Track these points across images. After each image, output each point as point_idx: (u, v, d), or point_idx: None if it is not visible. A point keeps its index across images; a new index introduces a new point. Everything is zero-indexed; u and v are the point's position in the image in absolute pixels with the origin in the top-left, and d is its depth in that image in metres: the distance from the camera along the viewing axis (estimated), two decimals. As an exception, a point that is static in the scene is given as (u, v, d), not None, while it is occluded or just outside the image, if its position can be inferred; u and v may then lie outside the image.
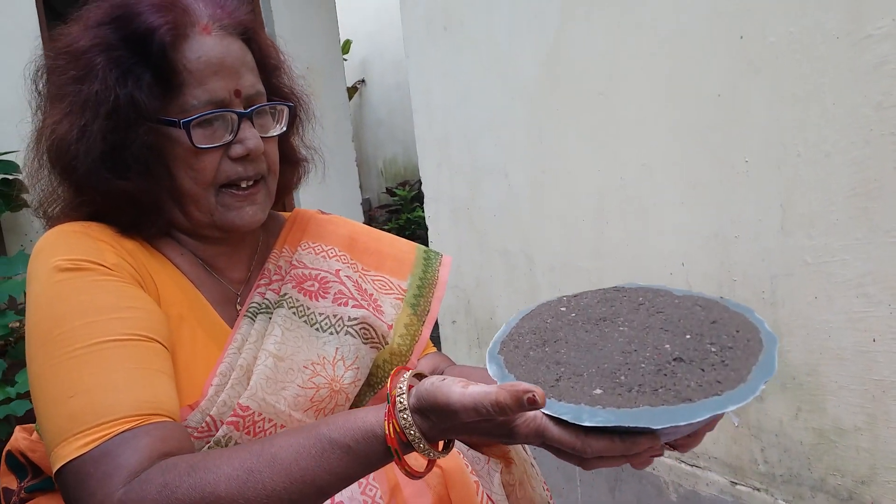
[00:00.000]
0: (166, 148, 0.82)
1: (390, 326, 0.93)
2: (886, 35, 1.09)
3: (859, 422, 1.21)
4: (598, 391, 0.59)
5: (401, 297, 0.97)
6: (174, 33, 0.80)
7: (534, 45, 1.79)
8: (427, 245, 2.36)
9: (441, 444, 0.67)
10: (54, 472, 0.69)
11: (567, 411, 0.57)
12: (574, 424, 0.57)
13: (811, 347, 1.27)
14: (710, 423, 0.63)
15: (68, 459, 0.67)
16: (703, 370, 0.60)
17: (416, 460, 0.67)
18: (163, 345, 0.76)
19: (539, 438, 0.59)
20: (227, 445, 0.78)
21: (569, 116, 1.73)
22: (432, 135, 2.26)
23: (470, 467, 0.88)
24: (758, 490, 1.40)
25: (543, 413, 0.59)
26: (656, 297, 0.71)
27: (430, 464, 0.68)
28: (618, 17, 1.55)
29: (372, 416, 0.66)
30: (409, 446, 0.64)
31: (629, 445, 0.57)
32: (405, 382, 0.66)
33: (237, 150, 0.83)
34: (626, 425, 0.55)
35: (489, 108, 1.99)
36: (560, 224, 1.80)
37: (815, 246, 1.24)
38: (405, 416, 0.63)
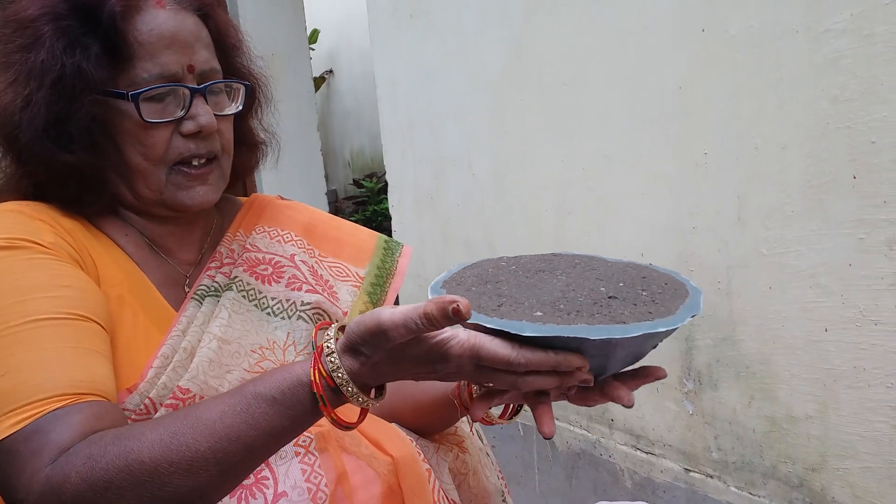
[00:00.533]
0: (115, 121, 0.80)
1: (345, 312, 0.92)
2: (844, 30, 1.11)
3: (810, 410, 1.24)
4: (539, 314, 0.62)
5: (358, 284, 0.96)
6: (126, 4, 0.78)
7: (500, 35, 1.78)
8: (390, 234, 2.35)
9: (372, 392, 0.66)
10: None
11: (509, 326, 0.60)
12: (508, 339, 0.60)
13: (765, 337, 1.29)
14: (640, 378, 0.67)
15: None
16: (635, 304, 0.65)
17: (348, 413, 0.66)
18: (100, 324, 0.75)
19: (474, 357, 0.59)
20: None
21: (533, 107, 1.73)
22: (397, 123, 2.24)
23: (422, 455, 0.87)
24: (710, 477, 1.42)
25: (486, 327, 0.60)
26: (591, 260, 0.77)
27: (363, 413, 0.68)
28: (583, 10, 1.55)
29: (299, 367, 0.66)
30: (337, 393, 0.64)
31: (561, 360, 0.59)
32: (333, 329, 0.65)
33: (189, 126, 0.82)
34: (564, 336, 0.59)
35: (454, 97, 1.98)
36: (523, 214, 1.80)
37: (770, 237, 1.26)
38: (332, 359, 0.63)
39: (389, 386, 0.69)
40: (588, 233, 1.61)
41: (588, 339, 0.59)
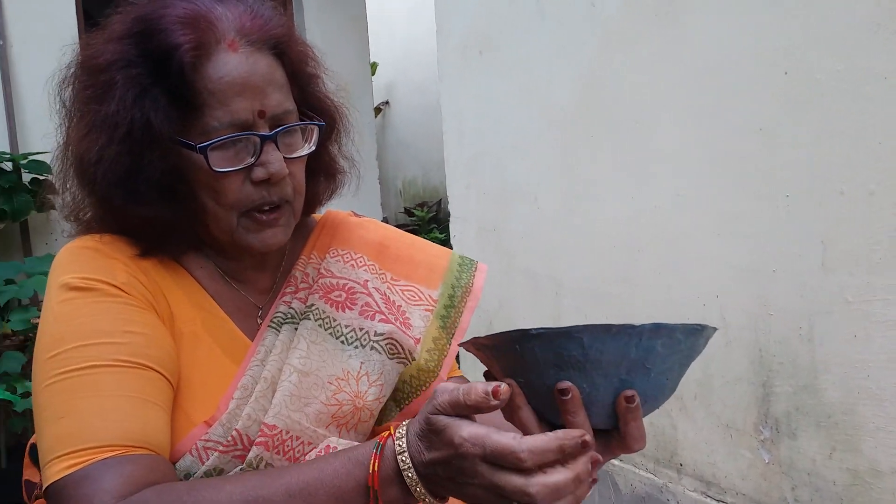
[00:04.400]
0: (188, 170, 0.80)
1: (417, 341, 0.90)
2: (940, 76, 1.09)
3: (897, 465, 1.19)
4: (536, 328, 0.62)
5: (430, 308, 0.94)
6: (195, 53, 0.76)
7: (571, 71, 1.80)
8: (450, 265, 2.36)
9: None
10: (43, 491, 0.69)
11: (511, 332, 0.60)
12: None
13: (849, 386, 1.25)
14: (625, 399, 0.61)
15: (52, 480, 0.67)
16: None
17: None
18: (160, 373, 0.75)
19: (479, 446, 0.58)
20: (258, 467, 0.77)
21: (603, 143, 1.73)
22: (462, 156, 2.27)
23: None
24: (787, 530, 1.38)
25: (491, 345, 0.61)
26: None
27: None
28: (659, 49, 1.56)
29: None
30: (394, 482, 0.63)
31: (561, 442, 0.57)
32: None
33: (259, 173, 0.80)
34: (566, 331, 0.57)
35: (521, 131, 2.00)
36: (589, 249, 1.80)
37: (856, 284, 1.23)
38: (401, 430, 0.63)
39: None
40: (659, 271, 1.60)
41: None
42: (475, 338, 0.63)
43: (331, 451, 0.77)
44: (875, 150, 1.19)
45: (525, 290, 2.04)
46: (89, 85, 0.79)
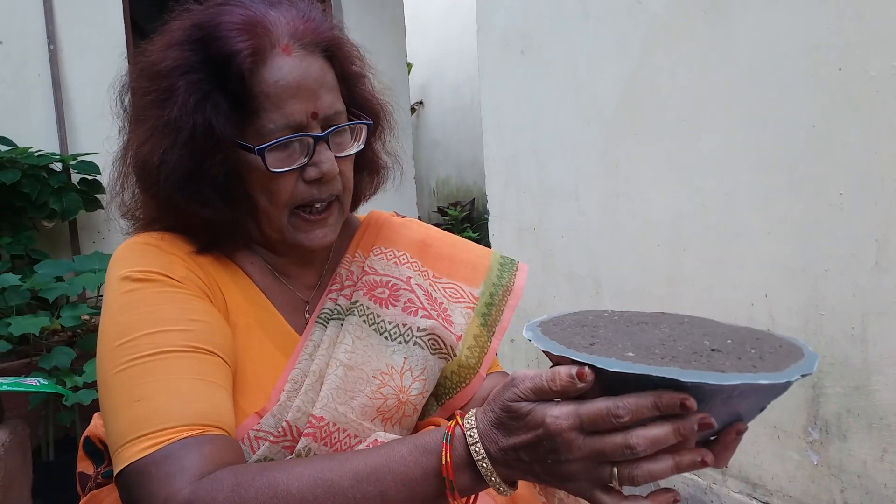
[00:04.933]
0: (244, 171, 0.83)
1: (459, 337, 0.92)
2: None
3: (955, 469, 1.17)
4: (631, 354, 0.60)
5: (472, 305, 0.96)
6: (253, 59, 0.78)
7: (614, 70, 1.79)
8: (489, 264, 2.36)
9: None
10: (115, 474, 0.70)
11: (597, 361, 0.58)
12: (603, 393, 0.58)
13: (903, 388, 1.23)
14: (737, 431, 0.60)
15: (131, 461, 0.68)
16: (739, 358, 0.59)
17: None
18: (222, 359, 0.77)
19: (574, 418, 0.58)
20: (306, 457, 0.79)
21: (648, 142, 1.72)
22: (502, 155, 2.27)
23: (537, 488, 0.87)
24: (837, 533, 1.36)
25: (575, 360, 0.59)
26: (702, 321, 0.72)
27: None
28: (707, 47, 1.55)
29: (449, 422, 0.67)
30: (463, 446, 0.64)
31: (663, 397, 0.56)
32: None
33: (311, 172, 0.83)
34: (654, 376, 0.55)
35: (562, 130, 2.00)
36: (632, 249, 1.79)
37: (912, 284, 1.21)
38: (469, 420, 0.64)
39: None
40: (705, 271, 1.59)
41: (679, 381, 0.54)
42: (566, 355, 0.60)
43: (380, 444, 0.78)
44: (932, 148, 1.17)
45: (564, 290, 2.04)
46: (151, 90, 0.81)
